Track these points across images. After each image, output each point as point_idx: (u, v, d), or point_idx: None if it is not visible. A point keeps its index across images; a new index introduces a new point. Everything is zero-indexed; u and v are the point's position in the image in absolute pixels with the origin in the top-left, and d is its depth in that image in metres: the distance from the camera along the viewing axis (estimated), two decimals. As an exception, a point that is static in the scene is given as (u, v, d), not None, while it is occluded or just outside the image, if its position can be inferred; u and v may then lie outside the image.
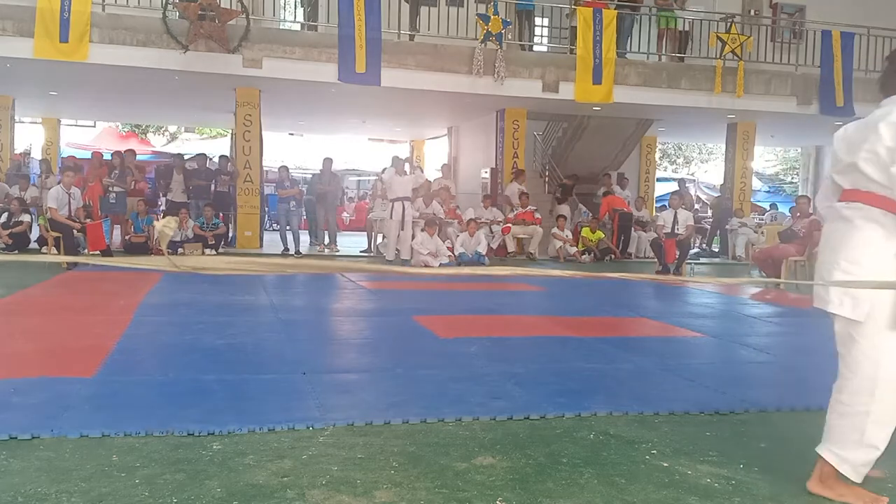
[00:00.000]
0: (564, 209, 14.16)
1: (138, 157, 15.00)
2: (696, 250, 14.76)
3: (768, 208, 19.31)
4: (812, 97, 13.77)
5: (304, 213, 13.77)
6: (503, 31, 12.15)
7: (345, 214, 21.12)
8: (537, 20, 14.14)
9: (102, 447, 2.85)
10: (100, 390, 3.65)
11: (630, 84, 12.91)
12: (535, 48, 13.93)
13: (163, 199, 13.78)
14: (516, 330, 5.99)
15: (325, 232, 13.48)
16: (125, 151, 14.12)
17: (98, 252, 9.73)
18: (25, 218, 11.17)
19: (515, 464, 2.82)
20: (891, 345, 2.49)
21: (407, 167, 12.49)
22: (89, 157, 14.69)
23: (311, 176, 14.22)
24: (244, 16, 11.19)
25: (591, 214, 14.45)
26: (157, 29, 10.84)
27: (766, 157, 31.39)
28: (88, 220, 10.09)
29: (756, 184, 23.25)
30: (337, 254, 12.85)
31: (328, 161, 13.45)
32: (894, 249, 2.48)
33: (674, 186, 20.12)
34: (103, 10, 10.93)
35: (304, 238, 13.38)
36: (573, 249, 13.35)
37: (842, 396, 2.61)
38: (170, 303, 6.64)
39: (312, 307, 7.13)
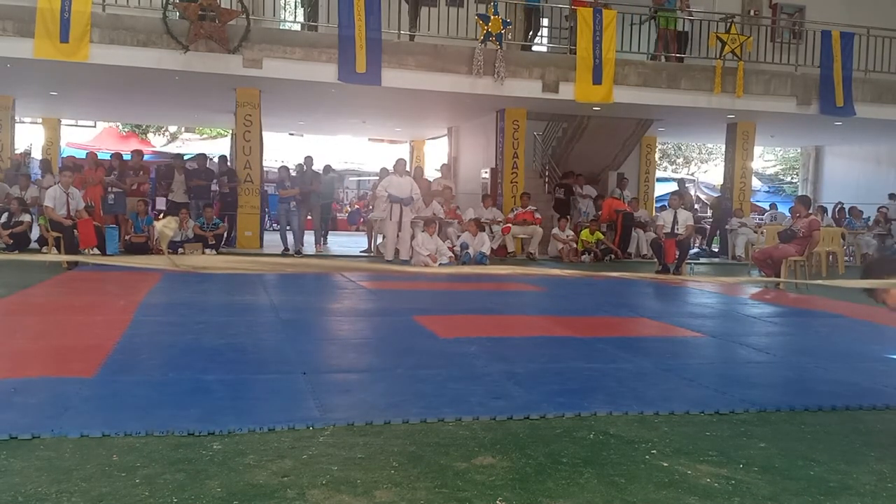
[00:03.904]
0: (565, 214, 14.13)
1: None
2: (695, 250, 14.76)
3: (768, 208, 19.34)
4: (812, 97, 13.78)
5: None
6: (503, 31, 12.15)
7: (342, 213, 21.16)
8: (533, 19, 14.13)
9: (102, 447, 2.85)
10: (100, 390, 3.65)
11: (630, 84, 12.91)
12: (535, 48, 13.95)
13: (162, 200, 13.77)
14: (516, 330, 6.00)
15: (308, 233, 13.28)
16: (132, 152, 14.14)
17: (95, 249, 9.73)
18: (26, 218, 11.16)
19: (515, 464, 2.82)
20: None
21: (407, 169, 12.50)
22: (86, 157, 14.69)
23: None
24: (244, 16, 11.19)
25: (590, 215, 14.46)
26: (158, 29, 10.84)
27: (765, 157, 31.39)
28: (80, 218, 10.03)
29: (756, 184, 23.28)
30: (323, 254, 12.79)
31: (308, 159, 13.26)
32: None
33: (674, 186, 20.15)
34: (103, 10, 10.93)
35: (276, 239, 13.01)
36: (572, 244, 13.36)
37: None
38: (170, 303, 6.64)
39: (312, 307, 7.13)
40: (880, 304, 3.03)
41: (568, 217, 13.88)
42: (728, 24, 13.35)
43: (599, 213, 14.33)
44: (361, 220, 20.83)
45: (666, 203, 13.53)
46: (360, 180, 25.17)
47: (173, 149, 21.44)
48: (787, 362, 5.00)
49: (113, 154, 13.78)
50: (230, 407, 3.42)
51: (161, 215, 13.04)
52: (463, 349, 4.91)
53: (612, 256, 13.62)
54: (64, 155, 17.33)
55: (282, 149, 21.01)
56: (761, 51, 13.83)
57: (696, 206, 20.80)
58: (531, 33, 13.74)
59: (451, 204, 13.61)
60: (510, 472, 2.72)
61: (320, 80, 11.71)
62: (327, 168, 16.84)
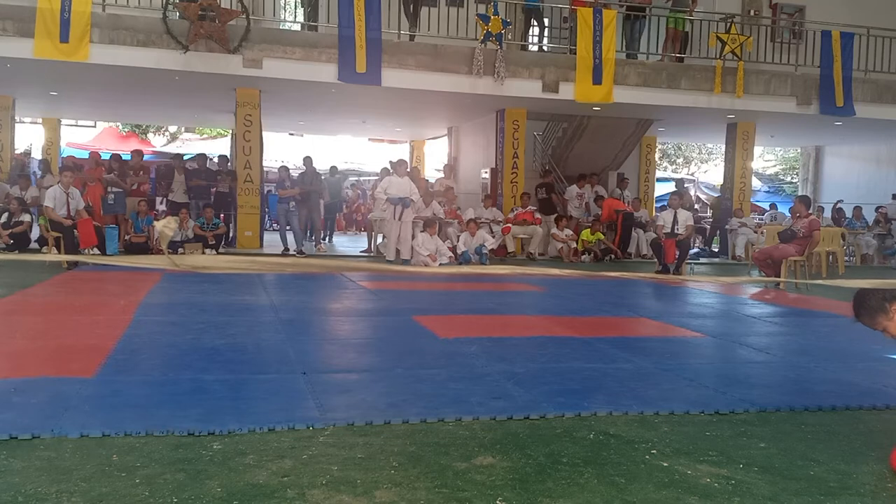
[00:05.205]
0: (550, 215, 14.09)
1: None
2: (695, 250, 14.76)
3: (768, 208, 19.34)
4: (812, 97, 13.78)
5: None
6: (503, 31, 12.16)
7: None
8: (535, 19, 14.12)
9: (102, 447, 2.85)
10: (100, 390, 3.65)
11: (630, 84, 12.92)
12: (535, 48, 13.95)
13: (162, 200, 13.77)
14: (516, 330, 5.99)
15: (309, 233, 13.26)
16: (132, 152, 14.15)
17: (95, 249, 9.73)
18: (26, 218, 11.16)
19: (515, 464, 2.82)
20: None
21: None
22: (88, 157, 14.70)
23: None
24: (244, 16, 11.19)
25: (590, 215, 14.46)
26: (158, 29, 10.84)
27: (765, 157, 31.39)
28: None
29: (756, 184, 23.28)
30: (324, 254, 12.80)
31: (309, 159, 13.20)
32: None
33: (673, 187, 20.15)
34: (103, 10, 10.93)
35: (276, 239, 13.01)
36: (572, 244, 13.37)
37: None
38: (170, 303, 6.64)
39: (312, 307, 7.13)
40: (878, 331, 2.96)
41: (567, 216, 13.87)
42: (728, 24, 13.36)
43: (599, 212, 14.33)
44: (343, 213, 20.68)
45: (665, 203, 13.54)
46: (360, 180, 25.15)
47: (173, 149, 21.42)
48: (787, 362, 4.99)
49: (112, 155, 13.77)
50: (230, 407, 3.42)
51: (163, 215, 13.06)
52: (463, 349, 4.91)
53: (612, 256, 13.62)
54: (64, 155, 17.32)
55: (282, 149, 21.00)
56: (761, 51, 13.84)
57: (696, 206, 20.80)
58: (535, 31, 13.73)
59: (453, 204, 13.62)
60: (510, 472, 2.72)
61: (320, 80, 11.71)
62: (333, 169, 16.95)
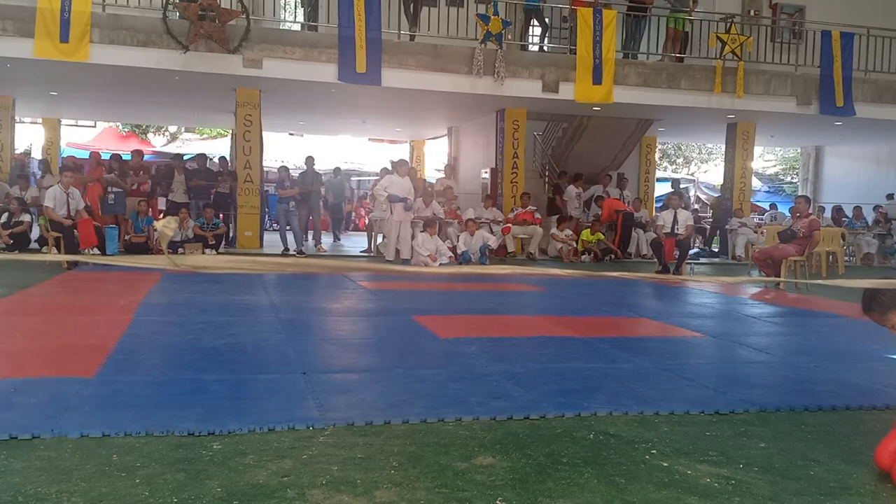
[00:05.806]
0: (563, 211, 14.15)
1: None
2: (695, 250, 14.76)
3: (768, 208, 19.35)
4: (812, 97, 13.78)
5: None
6: (503, 31, 12.16)
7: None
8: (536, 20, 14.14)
9: (102, 447, 2.85)
10: (100, 390, 3.65)
11: (630, 84, 12.92)
12: (535, 48, 13.96)
13: (162, 200, 13.77)
14: (516, 330, 5.99)
15: (310, 233, 13.24)
16: (132, 152, 14.16)
17: (95, 249, 9.73)
18: (26, 218, 11.17)
19: (515, 464, 2.82)
20: None
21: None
22: (89, 157, 14.71)
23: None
24: (244, 16, 11.19)
25: (590, 215, 14.46)
26: (158, 29, 10.84)
27: (765, 157, 31.39)
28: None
29: (756, 184, 23.28)
30: (324, 254, 12.80)
31: (310, 160, 13.10)
32: None
33: (671, 187, 20.14)
34: (104, 10, 10.93)
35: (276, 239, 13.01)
36: (572, 244, 13.38)
37: None
38: (170, 303, 6.64)
39: (312, 307, 7.13)
40: (886, 327, 2.91)
41: (569, 217, 13.88)
42: (728, 24, 13.36)
43: (599, 212, 14.33)
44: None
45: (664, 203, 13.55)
46: (360, 180, 25.15)
47: (173, 149, 21.41)
48: (787, 362, 4.99)
49: (112, 155, 13.78)
50: (230, 407, 3.42)
51: (161, 215, 13.05)
52: (463, 349, 4.91)
53: (612, 256, 13.62)
54: (64, 155, 17.33)
55: (282, 149, 21.00)
56: (761, 51, 13.84)
57: (696, 206, 20.78)
58: (536, 31, 13.73)
59: (453, 204, 13.62)
60: (510, 472, 2.72)
61: (320, 80, 11.71)
62: (337, 170, 16.98)
